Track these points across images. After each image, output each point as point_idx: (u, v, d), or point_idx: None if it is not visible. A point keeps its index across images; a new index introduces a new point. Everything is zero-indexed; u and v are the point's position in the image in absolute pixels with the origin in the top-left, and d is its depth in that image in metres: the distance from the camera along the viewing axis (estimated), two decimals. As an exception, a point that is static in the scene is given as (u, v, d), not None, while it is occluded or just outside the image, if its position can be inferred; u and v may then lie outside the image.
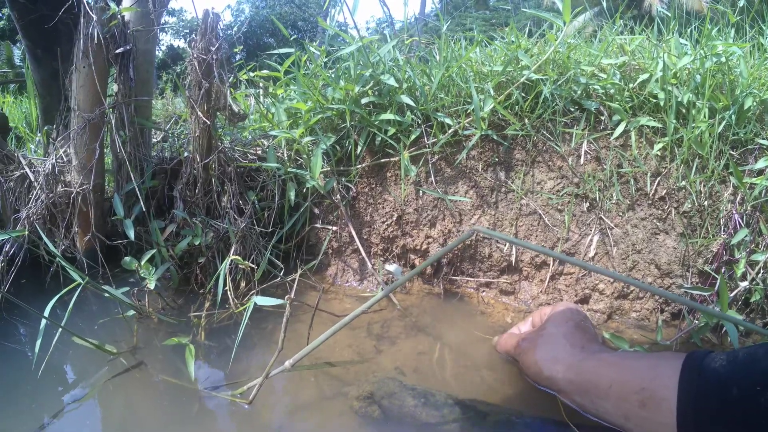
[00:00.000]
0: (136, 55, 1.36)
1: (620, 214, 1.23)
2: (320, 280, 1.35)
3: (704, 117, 1.25)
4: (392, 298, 1.23)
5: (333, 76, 1.35)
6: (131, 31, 1.36)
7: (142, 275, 1.23)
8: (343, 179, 1.33)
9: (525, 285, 1.26)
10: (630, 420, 0.71)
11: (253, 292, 1.23)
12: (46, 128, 1.48)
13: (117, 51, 1.32)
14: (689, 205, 1.23)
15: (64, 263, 1.18)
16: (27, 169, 1.39)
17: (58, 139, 1.39)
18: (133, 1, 1.40)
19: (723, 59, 1.31)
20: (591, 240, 1.23)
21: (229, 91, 1.25)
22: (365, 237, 1.33)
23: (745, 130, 1.27)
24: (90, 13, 1.26)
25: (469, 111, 1.26)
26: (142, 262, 1.22)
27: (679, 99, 1.26)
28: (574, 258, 1.22)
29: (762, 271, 1.20)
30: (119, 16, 1.29)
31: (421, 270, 0.98)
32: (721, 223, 1.24)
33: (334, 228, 1.33)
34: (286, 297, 0.92)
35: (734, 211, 1.24)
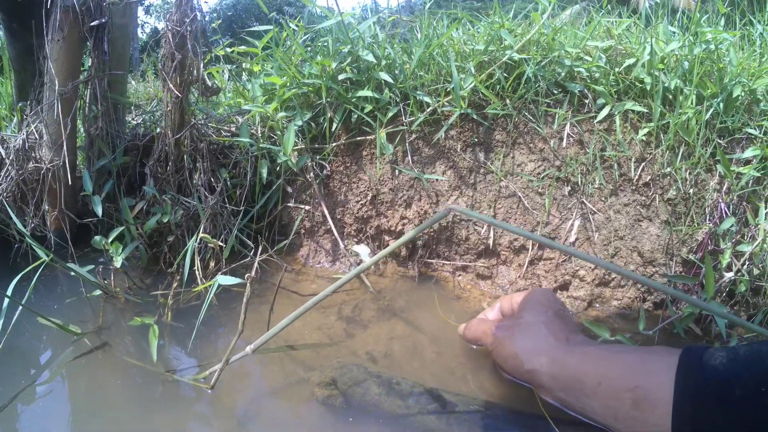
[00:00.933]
0: (111, 29, 1.33)
1: (603, 199, 1.19)
2: (292, 260, 1.31)
3: (691, 104, 1.21)
4: (365, 280, 1.19)
5: (311, 51, 1.32)
6: (107, 4, 1.32)
7: (110, 254, 1.20)
8: (318, 157, 1.29)
9: (503, 269, 1.22)
10: (620, 420, 0.65)
11: (222, 271, 1.19)
12: (20, 104, 1.44)
13: (92, 24, 1.29)
14: (674, 193, 1.19)
15: (30, 241, 1.14)
16: None
17: (31, 114, 1.35)
18: (109, -27, 1.37)
19: (712, 47, 1.28)
20: (572, 225, 1.19)
21: (202, 65, 1.21)
22: (339, 217, 1.29)
23: (733, 119, 1.23)
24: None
25: (449, 90, 1.23)
26: (110, 240, 1.19)
27: (666, 84, 1.23)
28: (552, 241, 1.18)
29: (747, 263, 1.17)
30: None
31: (394, 250, 0.94)
32: (707, 212, 1.20)
33: (307, 207, 1.29)
34: (246, 276, 0.88)
35: (720, 200, 1.20)
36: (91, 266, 1.15)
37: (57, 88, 1.28)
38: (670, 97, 1.26)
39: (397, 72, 1.27)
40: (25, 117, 1.40)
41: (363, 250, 1.06)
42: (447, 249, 1.26)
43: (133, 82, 3.22)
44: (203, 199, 1.25)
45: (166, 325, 1.11)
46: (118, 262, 1.18)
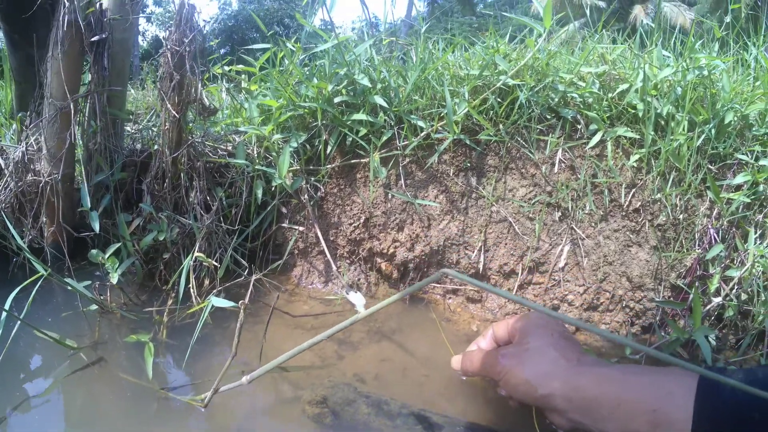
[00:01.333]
0: (111, 44, 1.34)
1: (593, 224, 1.21)
2: (285, 280, 1.32)
3: (683, 130, 1.22)
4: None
5: (307, 73, 1.33)
6: (108, 20, 1.34)
7: (106, 269, 1.21)
8: (312, 179, 1.30)
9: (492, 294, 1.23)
10: None
11: (216, 290, 1.21)
12: (20, 115, 1.46)
13: (92, 39, 1.30)
14: (664, 218, 1.21)
15: (28, 254, 1.16)
16: None
17: (30, 126, 1.37)
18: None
19: (705, 72, 1.29)
20: (561, 250, 1.20)
21: (201, 85, 1.23)
22: (332, 238, 1.31)
23: (725, 144, 1.24)
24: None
25: (442, 114, 1.24)
26: (107, 256, 1.20)
27: (659, 111, 1.24)
28: (524, 299, 1.20)
29: (736, 287, 1.18)
30: (97, 4, 1.28)
31: (392, 301, 0.95)
32: (696, 237, 1.22)
33: (301, 228, 1.31)
34: (240, 302, 0.90)
35: (710, 226, 1.21)
36: (88, 282, 1.17)
37: (57, 102, 1.30)
38: (662, 123, 1.27)
39: (392, 95, 1.29)
40: (24, 128, 1.42)
41: (358, 299, 1.05)
42: (438, 269, 1.27)
43: (132, 91, 3.24)
44: (199, 218, 1.27)
45: (161, 342, 1.13)
46: (114, 278, 1.19)
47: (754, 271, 1.15)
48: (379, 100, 1.23)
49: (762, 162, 1.21)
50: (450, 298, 1.26)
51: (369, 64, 1.35)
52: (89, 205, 1.29)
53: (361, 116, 1.25)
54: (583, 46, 1.48)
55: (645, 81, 1.26)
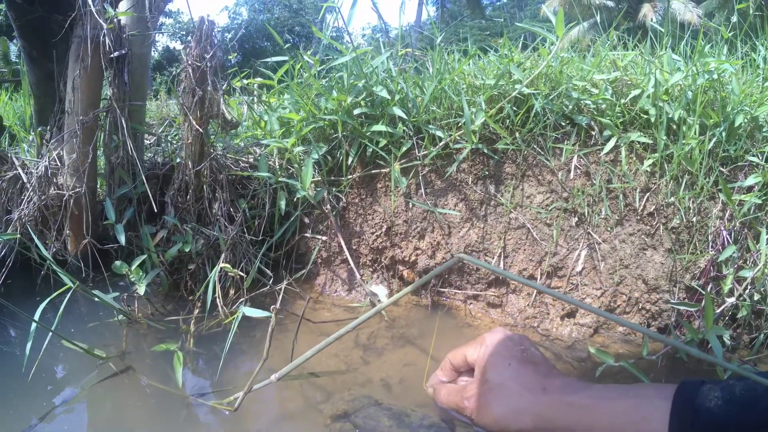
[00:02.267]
0: (131, 60, 1.37)
1: (608, 229, 1.24)
2: (309, 289, 1.35)
3: (695, 133, 1.25)
4: (380, 311, 1.24)
5: (326, 85, 1.35)
6: (127, 36, 1.36)
7: (132, 280, 1.24)
8: (334, 189, 1.33)
9: (512, 298, 1.26)
10: None
11: (241, 300, 1.24)
12: (39, 129, 1.48)
13: (112, 55, 1.32)
14: (677, 221, 1.24)
15: (55, 267, 1.18)
16: (20, 170, 1.39)
17: (52, 141, 1.39)
18: (129, 5, 1.40)
19: (715, 76, 1.32)
20: (579, 255, 1.23)
21: (222, 99, 1.25)
22: (354, 247, 1.34)
23: (736, 146, 1.27)
24: (86, 16, 1.27)
25: (460, 124, 1.27)
26: (133, 267, 1.23)
27: (670, 115, 1.27)
28: (557, 292, 1.23)
29: (749, 287, 1.21)
30: (115, 20, 1.30)
31: (409, 290, 0.98)
32: (709, 239, 1.25)
33: (324, 238, 1.33)
34: (271, 307, 0.93)
35: (722, 228, 1.24)
36: (116, 293, 1.20)
37: (79, 117, 1.32)
38: (674, 127, 1.30)
39: (410, 106, 1.31)
40: (45, 142, 1.44)
41: (380, 290, 1.09)
42: (459, 278, 1.30)
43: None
44: (223, 229, 1.29)
45: (189, 351, 1.16)
46: (141, 289, 1.22)
47: (766, 270, 1.18)
48: (398, 112, 1.25)
49: (773, 164, 1.23)
50: (471, 303, 1.29)
51: (386, 76, 1.38)
52: (114, 219, 1.32)
53: (380, 127, 1.28)
54: (595, 52, 1.51)
55: (656, 86, 1.29)
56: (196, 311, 1.24)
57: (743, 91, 1.32)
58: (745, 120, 1.28)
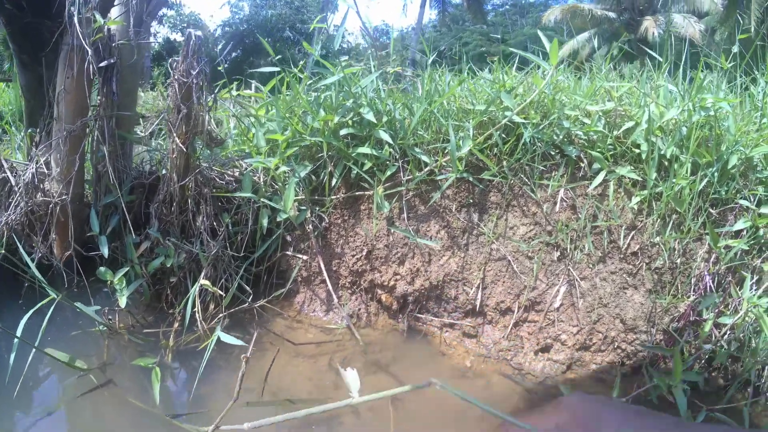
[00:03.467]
0: (120, 68, 1.35)
1: (590, 266, 1.23)
2: (288, 306, 1.36)
3: (686, 172, 1.23)
4: (355, 334, 1.24)
5: (313, 102, 1.34)
6: (116, 45, 1.35)
7: (114, 288, 1.26)
8: (317, 209, 1.33)
9: (488, 329, 1.26)
10: None
11: (221, 315, 1.25)
12: (29, 131, 1.49)
13: (100, 65, 1.32)
14: (661, 262, 1.22)
15: (40, 278, 1.19)
16: (8, 173, 1.40)
17: (40, 147, 1.39)
18: (120, 13, 1.39)
19: (712, 112, 1.29)
20: (558, 290, 1.23)
21: (207, 116, 1.25)
22: (335, 269, 1.34)
23: (728, 187, 1.25)
24: (75, 25, 1.26)
25: (447, 150, 1.25)
26: (116, 278, 1.25)
27: (662, 152, 1.24)
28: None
29: (728, 333, 1.20)
30: (105, 29, 1.28)
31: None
32: (692, 282, 1.23)
33: (305, 257, 1.34)
34: (242, 356, 0.93)
35: (706, 273, 1.23)
36: (98, 307, 1.22)
37: (66, 125, 1.32)
38: (666, 163, 1.27)
39: (397, 126, 1.30)
40: (34, 146, 1.45)
41: (353, 380, 1.03)
42: (436, 306, 1.30)
43: (142, 94, 3.25)
44: (205, 243, 1.30)
45: (168, 367, 1.18)
46: (122, 302, 1.23)
47: (747, 318, 1.17)
48: (384, 136, 1.24)
49: (763, 209, 1.21)
50: (447, 331, 1.30)
51: (375, 95, 1.36)
52: (98, 230, 1.33)
53: (366, 150, 1.27)
54: (591, 77, 1.48)
55: (650, 122, 1.26)
56: (176, 325, 1.25)
57: (739, 128, 1.29)
58: (739, 160, 1.25)
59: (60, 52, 1.33)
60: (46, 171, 1.39)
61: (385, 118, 1.29)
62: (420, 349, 1.25)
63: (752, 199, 1.23)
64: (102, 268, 1.28)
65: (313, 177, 1.33)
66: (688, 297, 1.20)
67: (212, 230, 1.33)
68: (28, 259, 1.23)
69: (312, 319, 1.33)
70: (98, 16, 1.28)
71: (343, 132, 1.28)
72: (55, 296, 1.15)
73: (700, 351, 1.20)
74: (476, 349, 1.25)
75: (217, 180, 1.37)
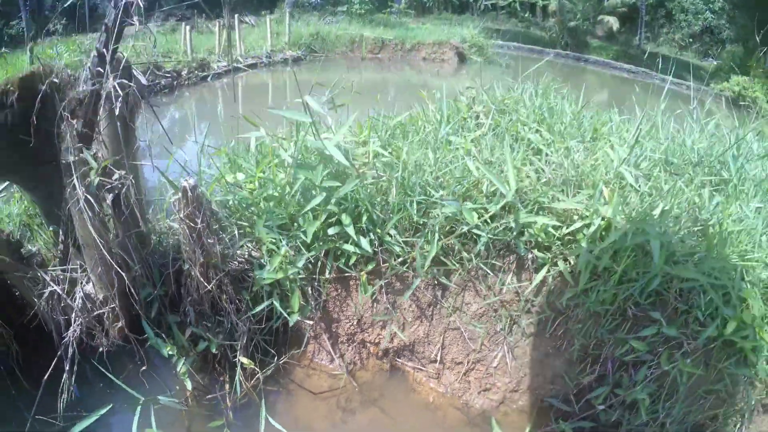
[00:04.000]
0: (129, 194, 1.53)
1: (524, 338, 1.65)
2: (302, 356, 1.82)
3: (614, 282, 1.50)
4: (352, 381, 1.75)
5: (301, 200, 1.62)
6: (120, 179, 1.51)
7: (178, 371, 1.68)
8: (316, 283, 1.68)
9: (447, 373, 1.76)
10: None
11: (257, 375, 1.70)
12: (51, 228, 1.72)
13: (108, 201, 1.51)
14: (579, 345, 1.61)
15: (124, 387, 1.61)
16: (54, 285, 1.67)
17: (81, 274, 1.65)
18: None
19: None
20: (496, 354, 1.68)
21: (218, 251, 1.51)
22: (334, 330, 1.76)
23: (649, 299, 1.54)
24: (76, 178, 1.43)
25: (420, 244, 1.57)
26: (179, 369, 1.66)
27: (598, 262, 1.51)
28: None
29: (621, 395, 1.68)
30: (98, 169, 1.45)
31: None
32: (600, 363, 1.66)
33: (311, 322, 1.73)
34: None
35: (610, 360, 1.64)
36: (175, 400, 1.68)
37: (92, 252, 1.57)
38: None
39: (375, 218, 1.60)
40: (59, 241, 1.70)
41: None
42: (410, 353, 1.77)
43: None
44: (235, 324, 1.68)
45: (231, 423, 1.63)
46: (188, 385, 1.66)
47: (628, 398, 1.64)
48: (364, 243, 1.56)
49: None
50: (417, 372, 1.79)
51: (354, 193, 1.58)
52: (152, 335, 1.67)
53: (349, 248, 1.57)
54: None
55: (595, 232, 1.51)
56: (227, 386, 1.71)
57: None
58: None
59: (65, 188, 1.49)
60: (92, 292, 1.67)
61: (365, 217, 1.58)
62: (398, 386, 1.77)
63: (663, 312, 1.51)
64: (154, 341, 1.68)
65: (311, 264, 1.65)
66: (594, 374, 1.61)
67: (237, 308, 1.70)
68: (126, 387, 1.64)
69: (321, 366, 1.81)
70: (93, 161, 1.43)
71: (331, 231, 1.59)
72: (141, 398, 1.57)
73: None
74: (438, 389, 1.77)
75: (233, 264, 1.68)
